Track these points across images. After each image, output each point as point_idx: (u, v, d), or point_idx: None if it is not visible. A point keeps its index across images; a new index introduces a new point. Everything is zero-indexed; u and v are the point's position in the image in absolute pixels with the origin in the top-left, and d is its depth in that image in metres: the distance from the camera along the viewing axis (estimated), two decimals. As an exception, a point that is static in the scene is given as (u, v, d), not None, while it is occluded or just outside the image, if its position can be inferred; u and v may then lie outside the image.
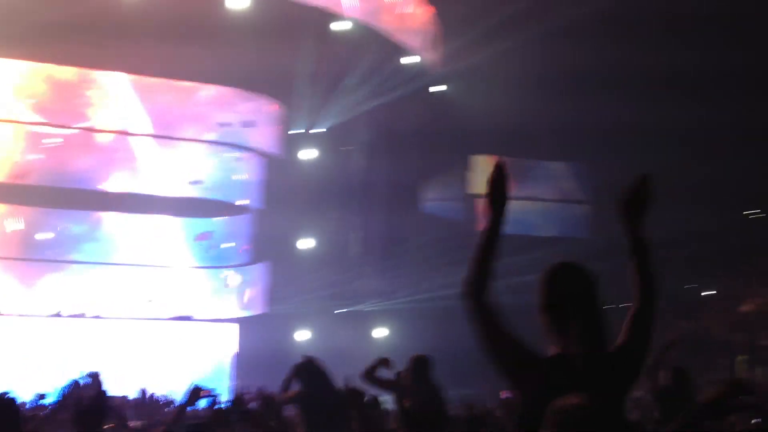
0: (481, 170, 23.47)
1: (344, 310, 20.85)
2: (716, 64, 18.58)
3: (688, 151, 20.16)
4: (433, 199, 22.67)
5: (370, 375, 6.25)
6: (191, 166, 19.70)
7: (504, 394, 7.97)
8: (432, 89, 22.81)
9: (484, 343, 2.69)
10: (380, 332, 20.88)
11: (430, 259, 19.68)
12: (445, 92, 22.93)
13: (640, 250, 2.80)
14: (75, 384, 8.43)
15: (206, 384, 5.50)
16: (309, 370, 5.72)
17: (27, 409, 9.24)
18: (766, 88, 19.03)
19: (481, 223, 2.77)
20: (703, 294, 21.48)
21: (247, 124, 20.19)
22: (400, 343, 18.88)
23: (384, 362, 6.36)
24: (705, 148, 20.39)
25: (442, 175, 22.79)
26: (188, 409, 4.60)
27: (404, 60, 21.68)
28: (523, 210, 22.76)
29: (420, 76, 21.98)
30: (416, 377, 6.00)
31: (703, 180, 20.23)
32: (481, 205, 2.80)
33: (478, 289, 2.71)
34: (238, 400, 6.61)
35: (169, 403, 13.21)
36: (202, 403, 5.22)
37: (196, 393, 4.57)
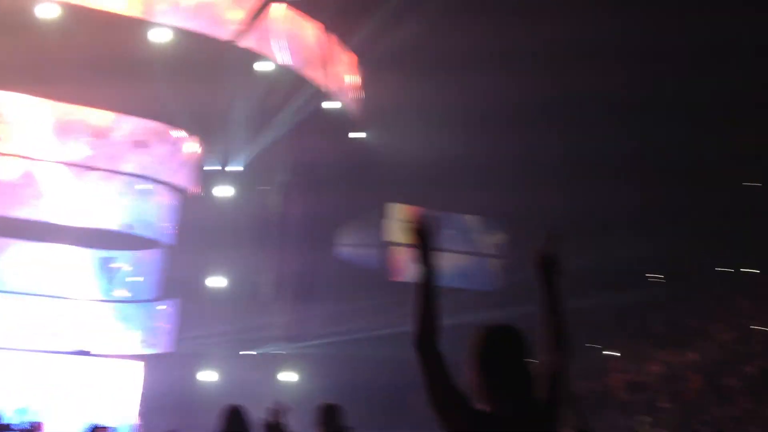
0: (396, 218, 23.71)
1: (251, 352, 20.54)
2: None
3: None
4: (348, 244, 22.70)
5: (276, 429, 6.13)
6: (104, 197, 19.19)
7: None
8: (352, 135, 23.03)
9: (430, 391, 2.72)
10: (288, 376, 20.61)
11: (341, 303, 19.62)
12: (364, 139, 23.19)
13: (554, 306, 2.95)
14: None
15: (107, 422, 5.33)
16: (228, 417, 5.66)
17: None
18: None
19: (414, 276, 2.80)
20: (604, 354, 22.00)
21: (163, 159, 19.85)
22: (308, 387, 18.72)
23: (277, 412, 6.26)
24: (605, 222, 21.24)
25: (358, 221, 22.89)
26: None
27: (326, 104, 21.86)
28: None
29: (341, 121, 22.19)
30: (328, 427, 5.93)
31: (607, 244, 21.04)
32: (408, 256, 2.84)
33: (427, 339, 2.74)
34: None
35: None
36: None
37: (94, 432, 4.42)
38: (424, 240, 2.81)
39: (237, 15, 19.42)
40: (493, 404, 2.75)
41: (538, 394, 2.84)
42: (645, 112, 19.90)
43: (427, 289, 2.78)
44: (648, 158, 20.96)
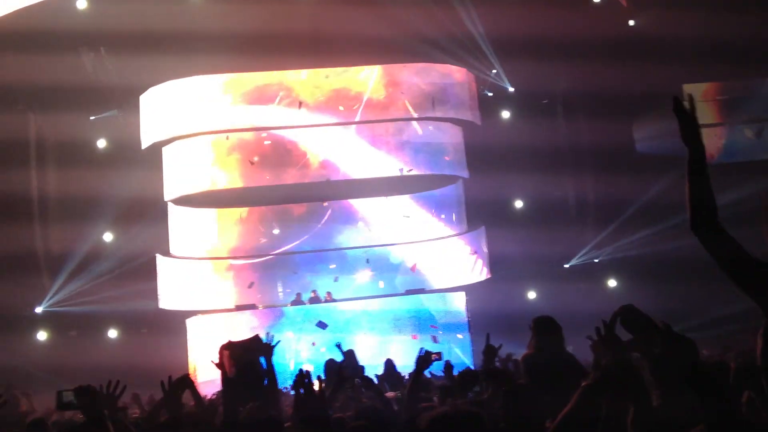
0: (695, 99, 22.13)
1: (568, 265, 20.60)
2: None
3: None
4: (646, 137, 21.56)
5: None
6: (397, 145, 20.12)
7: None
8: (630, 23, 21.85)
9: (723, 267, 2.69)
10: (611, 283, 20.42)
11: (649, 204, 18.90)
12: (644, 26, 21.82)
13: None
14: (332, 361, 8.98)
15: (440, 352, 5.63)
16: (540, 327, 5.63)
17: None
18: None
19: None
20: None
21: (443, 95, 20.31)
22: (630, 293, 18.31)
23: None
24: None
25: (653, 111, 21.60)
26: (424, 373, 4.76)
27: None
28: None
29: (614, 12, 21.16)
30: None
31: None
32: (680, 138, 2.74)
33: (705, 220, 2.71)
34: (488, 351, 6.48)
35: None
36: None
37: (425, 358, 4.73)
38: (689, 119, 2.76)
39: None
40: None
41: None
42: None
43: (699, 169, 2.73)
44: None
